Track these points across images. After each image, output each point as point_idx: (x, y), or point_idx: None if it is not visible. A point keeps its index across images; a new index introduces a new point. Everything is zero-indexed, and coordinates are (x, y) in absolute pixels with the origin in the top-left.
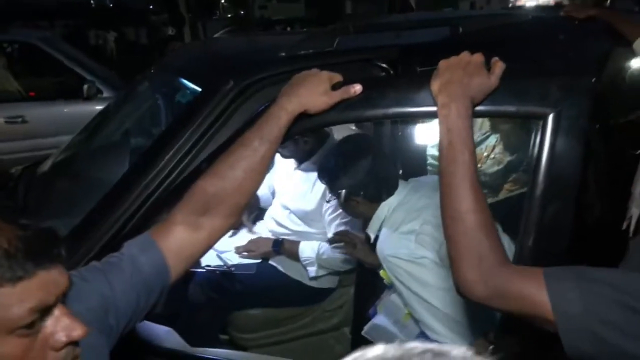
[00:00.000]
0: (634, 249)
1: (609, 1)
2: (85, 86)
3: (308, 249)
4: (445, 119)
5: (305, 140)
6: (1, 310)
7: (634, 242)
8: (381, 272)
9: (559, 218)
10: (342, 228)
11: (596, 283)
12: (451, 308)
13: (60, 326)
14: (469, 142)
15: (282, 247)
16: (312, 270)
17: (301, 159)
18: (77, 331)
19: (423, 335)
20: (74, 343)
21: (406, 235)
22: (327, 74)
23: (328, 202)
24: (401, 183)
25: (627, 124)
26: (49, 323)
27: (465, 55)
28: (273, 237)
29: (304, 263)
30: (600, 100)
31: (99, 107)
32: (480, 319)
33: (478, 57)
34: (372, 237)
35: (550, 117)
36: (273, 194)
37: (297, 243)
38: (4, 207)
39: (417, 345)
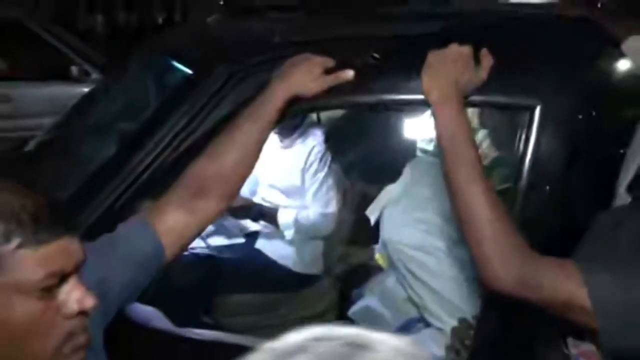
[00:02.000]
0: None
1: (599, 3)
2: (74, 67)
3: (286, 214)
4: (442, 117)
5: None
6: (21, 271)
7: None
8: (377, 256)
9: (543, 211)
10: (324, 197)
11: (632, 272)
12: (459, 297)
13: (74, 295)
14: (470, 136)
15: (262, 210)
16: (289, 234)
17: (283, 136)
18: (89, 302)
19: (420, 319)
20: (84, 314)
21: (416, 224)
22: (320, 59)
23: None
24: (405, 169)
25: (613, 121)
26: (64, 291)
27: (453, 48)
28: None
29: (281, 227)
30: (587, 96)
31: (87, 90)
32: None
33: (466, 50)
34: (373, 220)
35: (538, 109)
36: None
37: (275, 209)
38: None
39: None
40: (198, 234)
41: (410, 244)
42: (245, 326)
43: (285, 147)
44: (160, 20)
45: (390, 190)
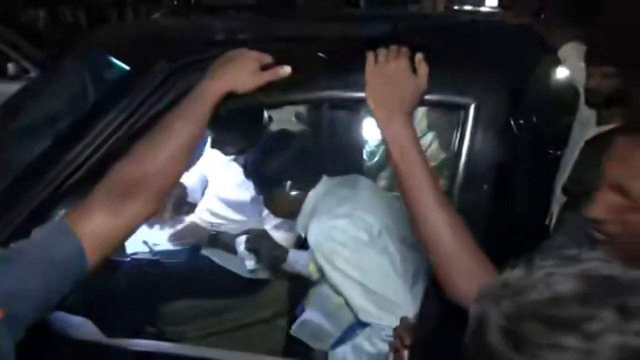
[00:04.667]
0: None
1: (542, 15)
2: (10, 65)
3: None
4: (391, 135)
5: (242, 131)
6: None
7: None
8: (309, 266)
9: (476, 210)
10: (279, 221)
11: None
12: (385, 288)
13: None
14: (421, 150)
15: (217, 238)
16: (250, 264)
17: (240, 151)
18: None
19: (358, 324)
20: None
21: (341, 219)
22: (256, 53)
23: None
24: (324, 178)
25: (551, 125)
26: None
27: (390, 64)
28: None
29: (241, 255)
30: (523, 98)
31: None
32: (415, 297)
33: (403, 64)
34: (304, 233)
35: (472, 108)
36: (204, 189)
37: (231, 236)
38: None
39: None
40: (125, 238)
41: (337, 239)
42: (192, 334)
43: (236, 159)
44: (113, 18)
45: (314, 195)
